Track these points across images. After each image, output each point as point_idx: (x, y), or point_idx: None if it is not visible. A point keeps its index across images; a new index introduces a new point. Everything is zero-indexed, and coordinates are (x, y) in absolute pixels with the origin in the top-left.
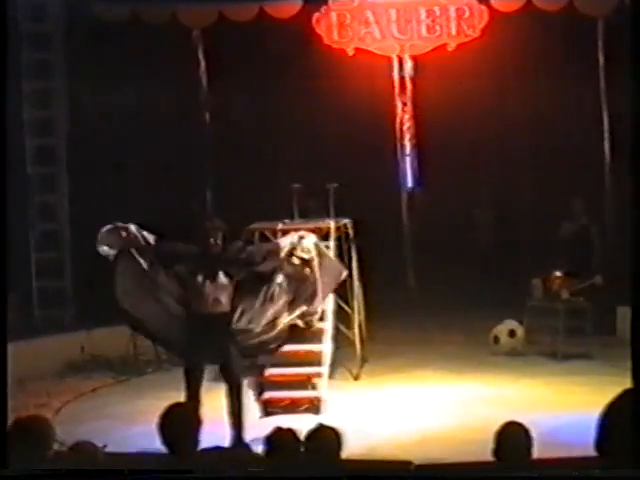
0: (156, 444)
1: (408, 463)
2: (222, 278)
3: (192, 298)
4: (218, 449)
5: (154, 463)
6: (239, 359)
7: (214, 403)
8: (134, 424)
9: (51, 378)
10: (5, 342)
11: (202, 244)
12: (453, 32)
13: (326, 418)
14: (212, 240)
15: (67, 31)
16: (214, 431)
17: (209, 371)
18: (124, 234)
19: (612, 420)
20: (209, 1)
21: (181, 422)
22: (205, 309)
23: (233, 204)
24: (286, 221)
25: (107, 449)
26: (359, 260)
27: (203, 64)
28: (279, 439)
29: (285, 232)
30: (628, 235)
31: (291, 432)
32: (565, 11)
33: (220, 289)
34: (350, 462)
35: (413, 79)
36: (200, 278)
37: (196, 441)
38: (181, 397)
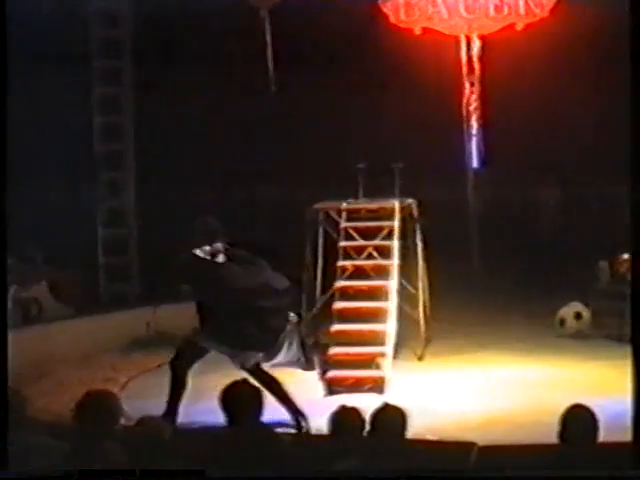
0: (220, 419)
1: (472, 444)
2: None
3: None
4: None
5: (217, 438)
6: None
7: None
8: (199, 400)
9: (117, 353)
10: (5, 342)
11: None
12: (521, 12)
13: (390, 398)
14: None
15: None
16: (278, 406)
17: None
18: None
19: None
20: None
21: (244, 398)
22: None
23: (297, 183)
24: (350, 200)
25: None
26: (423, 240)
27: (269, 44)
28: (344, 417)
29: (350, 211)
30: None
31: (356, 411)
32: None
33: None
34: (413, 442)
35: (480, 59)
36: None
37: (258, 417)
38: (245, 373)
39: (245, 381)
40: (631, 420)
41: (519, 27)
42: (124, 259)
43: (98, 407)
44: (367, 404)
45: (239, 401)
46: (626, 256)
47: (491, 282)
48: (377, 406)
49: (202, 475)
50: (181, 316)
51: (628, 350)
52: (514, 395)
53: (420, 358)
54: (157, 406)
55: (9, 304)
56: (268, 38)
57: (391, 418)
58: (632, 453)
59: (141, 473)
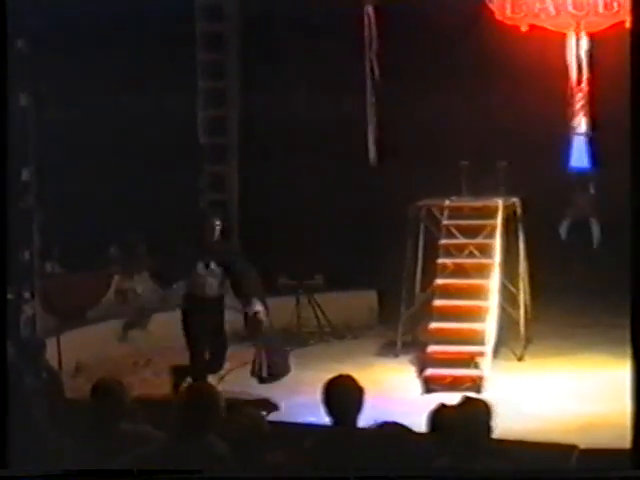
0: (319, 415)
1: (572, 447)
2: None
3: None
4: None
5: (316, 434)
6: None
7: (374, 377)
8: (297, 394)
9: None
10: (5, 342)
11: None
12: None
13: (488, 397)
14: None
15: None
16: (375, 405)
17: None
18: None
19: None
20: None
21: (345, 394)
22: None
23: (400, 181)
24: (453, 198)
25: (271, 418)
26: (526, 239)
27: (375, 40)
28: (442, 416)
29: (452, 209)
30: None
31: (455, 409)
32: None
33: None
34: (511, 443)
35: (589, 57)
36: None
37: (359, 414)
38: (341, 370)
39: (349, 376)
40: (631, 420)
41: (629, 24)
42: None
43: (200, 400)
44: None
45: (341, 397)
46: None
47: (594, 283)
48: (458, 400)
49: (200, 474)
50: (279, 310)
51: None
52: (614, 399)
53: (520, 358)
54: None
55: (111, 294)
56: (373, 34)
57: (476, 411)
58: (632, 453)
59: (139, 472)
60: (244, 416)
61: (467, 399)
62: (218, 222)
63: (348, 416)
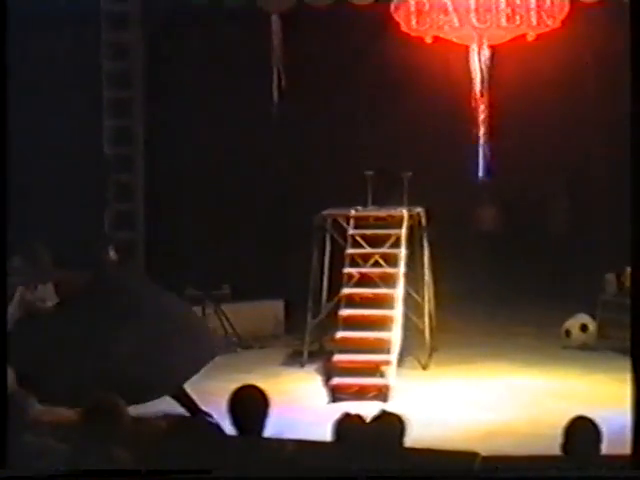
0: (225, 425)
1: (474, 454)
2: None
3: None
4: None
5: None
6: None
7: (280, 387)
8: (203, 405)
9: None
10: (5, 341)
11: None
12: (533, 22)
13: (394, 406)
14: None
15: (146, 15)
16: (282, 414)
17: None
18: None
19: None
20: None
21: (250, 404)
22: None
23: (307, 191)
24: (359, 208)
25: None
26: (430, 249)
27: (280, 50)
28: (347, 425)
29: (357, 219)
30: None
31: (359, 418)
32: None
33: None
34: (415, 451)
35: (491, 69)
36: None
37: (263, 424)
38: (248, 380)
39: (254, 386)
40: (631, 419)
41: (530, 37)
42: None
43: (103, 410)
44: (371, 412)
45: (247, 407)
46: None
47: (497, 292)
48: (375, 413)
49: (209, 474)
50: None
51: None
52: (518, 406)
53: (425, 367)
54: (160, 412)
55: (14, 305)
56: (278, 43)
57: (389, 425)
58: (632, 453)
59: (146, 472)
60: (148, 427)
61: (384, 413)
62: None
63: (253, 426)
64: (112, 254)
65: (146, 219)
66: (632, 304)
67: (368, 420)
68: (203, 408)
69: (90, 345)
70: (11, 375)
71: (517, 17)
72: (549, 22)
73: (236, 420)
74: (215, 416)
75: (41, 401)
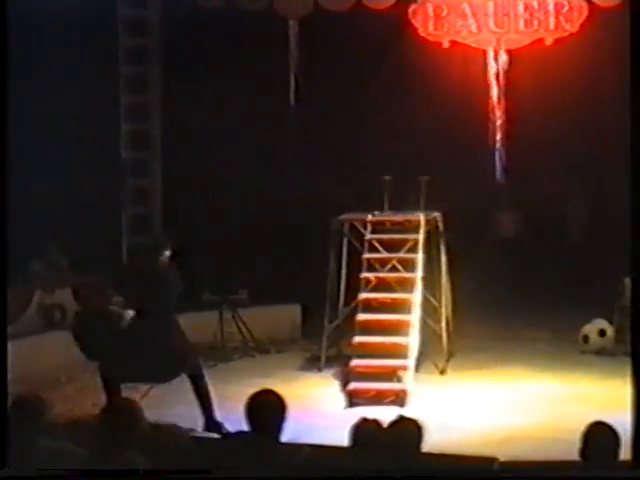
0: (243, 429)
1: (492, 459)
2: None
3: None
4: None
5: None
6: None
7: (297, 391)
8: (221, 409)
9: None
10: (5, 342)
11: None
12: (551, 26)
13: (411, 411)
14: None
15: (164, 20)
16: (299, 419)
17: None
18: None
19: None
20: None
21: (267, 408)
22: None
23: (324, 195)
24: (376, 213)
25: (192, 434)
26: (448, 254)
27: (298, 54)
28: (365, 429)
29: (374, 224)
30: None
31: (376, 423)
32: None
33: None
34: (433, 456)
35: (508, 73)
36: None
37: (281, 428)
38: (265, 384)
39: (271, 391)
40: (631, 418)
41: (548, 42)
42: None
43: (120, 415)
44: (388, 417)
45: (264, 412)
46: None
47: (515, 297)
48: (392, 418)
49: (208, 474)
50: (203, 325)
51: None
52: (536, 411)
53: (442, 372)
54: (177, 415)
55: (33, 309)
56: (295, 48)
57: (407, 430)
58: (632, 453)
59: (146, 472)
60: (166, 432)
61: (401, 418)
62: None
63: (270, 430)
64: (165, 257)
65: (163, 223)
66: (632, 308)
67: (385, 425)
68: (216, 415)
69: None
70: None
71: (535, 21)
72: (567, 26)
73: (253, 424)
74: (227, 426)
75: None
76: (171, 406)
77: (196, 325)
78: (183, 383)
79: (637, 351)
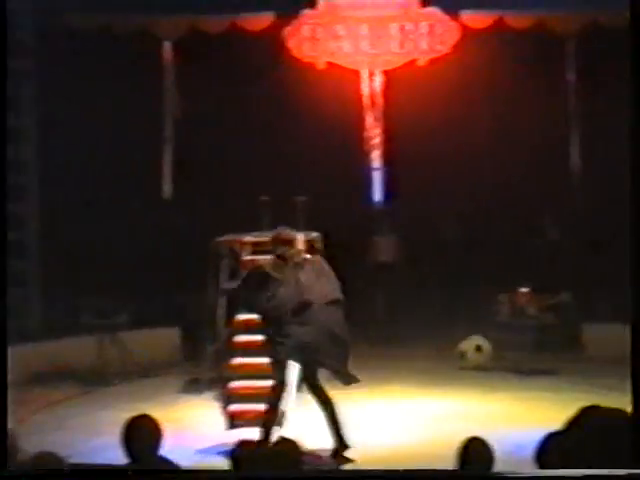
0: (120, 456)
1: None
2: None
3: None
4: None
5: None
6: None
7: (178, 414)
8: (98, 435)
9: (17, 388)
10: (5, 342)
11: None
12: (424, 48)
13: (290, 431)
14: None
15: (38, 41)
16: (180, 442)
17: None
18: None
19: (571, 435)
20: (181, 13)
21: (142, 433)
22: None
23: (202, 217)
24: (255, 233)
25: (71, 460)
26: None
27: (173, 75)
28: (243, 452)
29: (254, 245)
30: (628, 252)
31: (255, 445)
32: (535, 29)
33: None
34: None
35: (383, 93)
36: None
37: (157, 452)
38: (145, 408)
39: (146, 416)
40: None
41: (421, 62)
42: (24, 291)
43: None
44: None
45: (139, 437)
46: (525, 290)
47: (394, 316)
48: (273, 440)
49: (205, 473)
50: (83, 350)
51: (527, 382)
52: (417, 428)
53: None
54: (55, 442)
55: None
56: (170, 69)
57: (286, 451)
58: (632, 453)
59: (135, 472)
60: (38, 460)
61: (282, 439)
62: None
63: (146, 455)
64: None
65: (39, 247)
66: (633, 312)
67: (266, 447)
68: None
69: None
70: None
71: (408, 43)
72: (440, 47)
73: (129, 449)
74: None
75: None
76: (48, 433)
77: (75, 349)
78: (62, 409)
79: (636, 353)
